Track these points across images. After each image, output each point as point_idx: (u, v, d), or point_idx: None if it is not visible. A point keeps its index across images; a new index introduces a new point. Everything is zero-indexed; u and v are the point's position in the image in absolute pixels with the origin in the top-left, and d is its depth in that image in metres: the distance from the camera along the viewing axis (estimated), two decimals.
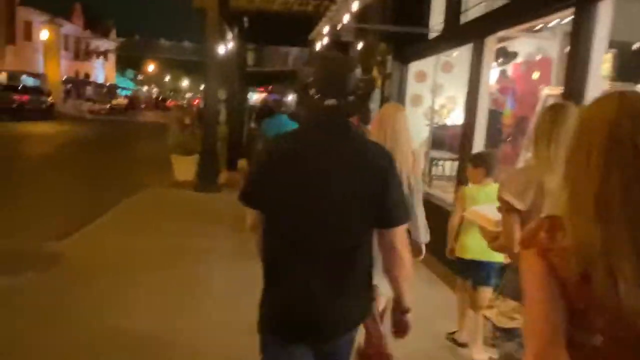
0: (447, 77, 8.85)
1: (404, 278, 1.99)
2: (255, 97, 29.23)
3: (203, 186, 10.57)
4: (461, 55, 8.62)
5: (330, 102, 1.84)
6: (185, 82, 74.15)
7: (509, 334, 2.32)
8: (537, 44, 6.52)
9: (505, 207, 2.32)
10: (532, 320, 1.16)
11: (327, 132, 1.90)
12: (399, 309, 2.07)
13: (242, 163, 13.67)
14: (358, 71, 1.92)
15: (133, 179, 11.71)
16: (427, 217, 3.43)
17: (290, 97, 23.49)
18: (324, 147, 1.87)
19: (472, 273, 3.91)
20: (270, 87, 18.83)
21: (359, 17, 8.33)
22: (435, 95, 8.82)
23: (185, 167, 11.51)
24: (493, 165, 3.92)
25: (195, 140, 11.52)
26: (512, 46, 6.67)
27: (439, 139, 8.10)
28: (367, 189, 1.86)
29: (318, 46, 9.07)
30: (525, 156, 5.30)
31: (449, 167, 7.94)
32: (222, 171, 11.99)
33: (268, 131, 6.63)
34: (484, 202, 3.41)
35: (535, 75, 6.38)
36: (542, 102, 5.78)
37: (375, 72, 10.37)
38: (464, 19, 6.66)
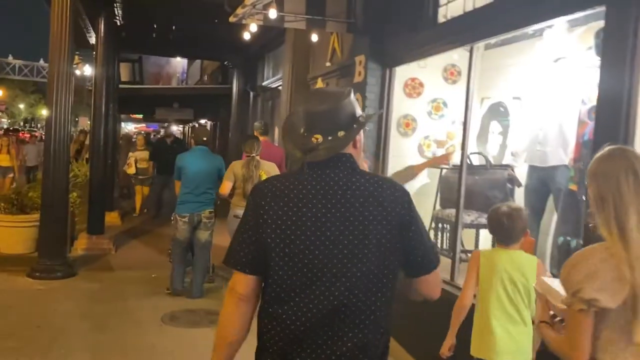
0: (451, 91, 5.65)
1: None
2: (130, 127, 24.55)
3: (44, 267, 6.35)
4: (466, 57, 5.51)
5: (317, 139, 1.65)
6: (45, 111, 64.73)
7: None
8: None
9: (581, 307, 1.62)
10: None
11: (327, 171, 1.65)
12: None
13: (113, 218, 9.48)
14: (350, 101, 1.68)
15: None
16: None
17: (175, 127, 19.29)
18: (329, 188, 1.62)
19: None
20: (153, 114, 14.50)
21: None
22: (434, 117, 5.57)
23: (16, 235, 7.21)
24: None
25: (38, 190, 7.25)
26: None
27: (452, 190, 4.76)
28: (388, 229, 1.60)
29: (247, 35, 5.50)
30: None
31: (486, 236, 4.61)
32: (81, 237, 7.79)
33: (190, 168, 5.79)
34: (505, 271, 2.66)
35: None
36: None
37: (319, 83, 6.91)
38: None
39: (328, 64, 6.71)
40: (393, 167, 5.48)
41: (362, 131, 1.73)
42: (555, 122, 4.25)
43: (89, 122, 14.23)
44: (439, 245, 4.93)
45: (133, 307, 5.58)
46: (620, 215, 1.62)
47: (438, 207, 5.06)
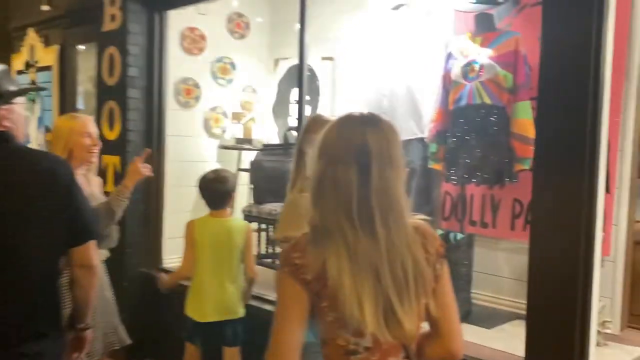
0: (239, 49, 4.38)
1: (94, 292, 1.84)
2: None
3: None
4: (250, 4, 4.37)
5: None
6: None
7: None
8: None
9: None
10: (279, 331, 1.23)
11: None
12: (80, 326, 1.86)
13: None
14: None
15: None
16: None
17: None
18: None
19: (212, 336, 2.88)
20: None
21: None
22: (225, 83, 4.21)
23: None
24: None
25: None
26: None
27: (272, 179, 3.62)
28: (52, 202, 1.63)
29: None
30: None
31: None
32: None
33: None
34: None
35: None
36: None
37: (31, 35, 4.84)
38: None
39: (46, 7, 4.64)
40: (173, 150, 3.97)
41: (14, 107, 1.72)
42: (402, 86, 3.41)
43: None
44: (255, 251, 3.69)
45: None
46: None
47: (249, 201, 3.79)
